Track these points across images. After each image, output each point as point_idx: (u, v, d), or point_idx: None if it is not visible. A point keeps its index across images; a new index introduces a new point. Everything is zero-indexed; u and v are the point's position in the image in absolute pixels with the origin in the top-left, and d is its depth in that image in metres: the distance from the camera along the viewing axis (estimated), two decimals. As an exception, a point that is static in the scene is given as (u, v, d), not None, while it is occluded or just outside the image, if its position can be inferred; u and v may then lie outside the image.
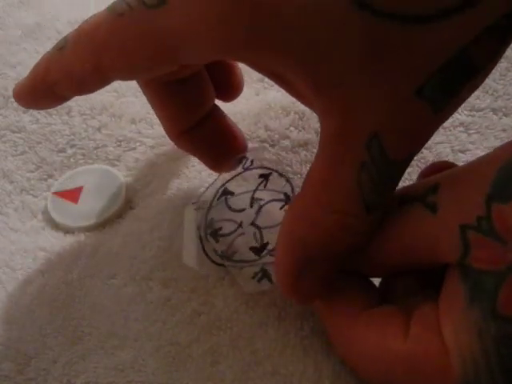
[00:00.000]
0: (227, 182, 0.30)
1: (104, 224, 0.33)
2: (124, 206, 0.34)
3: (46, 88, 0.26)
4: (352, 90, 0.21)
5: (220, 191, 0.30)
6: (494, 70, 0.38)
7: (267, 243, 0.29)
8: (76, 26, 0.25)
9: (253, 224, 0.29)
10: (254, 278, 0.28)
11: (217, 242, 0.29)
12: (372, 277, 0.26)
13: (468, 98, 0.23)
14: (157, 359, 0.28)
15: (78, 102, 0.39)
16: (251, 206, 0.30)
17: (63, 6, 0.46)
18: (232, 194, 0.30)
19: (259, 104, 0.38)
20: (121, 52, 0.24)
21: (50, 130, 0.38)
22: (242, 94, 0.35)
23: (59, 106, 0.39)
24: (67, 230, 0.33)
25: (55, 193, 0.34)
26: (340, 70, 0.21)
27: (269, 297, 0.29)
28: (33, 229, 0.33)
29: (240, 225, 0.29)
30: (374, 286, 0.27)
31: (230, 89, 0.34)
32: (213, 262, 0.29)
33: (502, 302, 0.20)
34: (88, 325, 0.29)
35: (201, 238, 0.29)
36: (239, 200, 0.30)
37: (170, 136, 0.32)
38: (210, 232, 0.29)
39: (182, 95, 0.30)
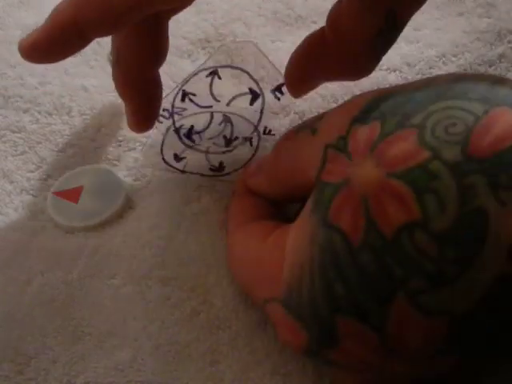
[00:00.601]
0: (182, 85, 0.34)
1: (104, 224, 0.33)
2: (124, 205, 0.34)
3: (75, 31, 0.26)
4: None
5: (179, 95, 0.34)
6: (494, 70, 0.39)
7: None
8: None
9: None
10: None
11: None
12: (279, 203, 0.30)
13: None
14: (156, 358, 0.28)
15: (77, 102, 0.39)
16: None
17: (63, 6, 0.46)
18: (194, 94, 0.34)
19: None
20: None
21: (50, 129, 0.38)
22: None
23: (59, 106, 0.39)
24: (67, 230, 0.33)
25: (55, 193, 0.34)
26: None
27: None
28: (33, 229, 0.33)
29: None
30: (283, 213, 0.30)
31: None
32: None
33: (333, 212, 0.22)
34: (88, 325, 0.29)
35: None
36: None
37: (125, 78, 0.32)
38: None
39: (157, 41, 0.31)
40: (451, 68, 0.39)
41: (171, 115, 0.34)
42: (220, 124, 0.34)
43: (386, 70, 0.39)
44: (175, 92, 0.35)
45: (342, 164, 0.22)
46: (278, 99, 0.34)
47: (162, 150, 0.34)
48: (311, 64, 0.29)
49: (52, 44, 0.27)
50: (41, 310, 0.30)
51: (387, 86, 0.38)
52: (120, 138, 0.37)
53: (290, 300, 0.23)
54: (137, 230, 0.32)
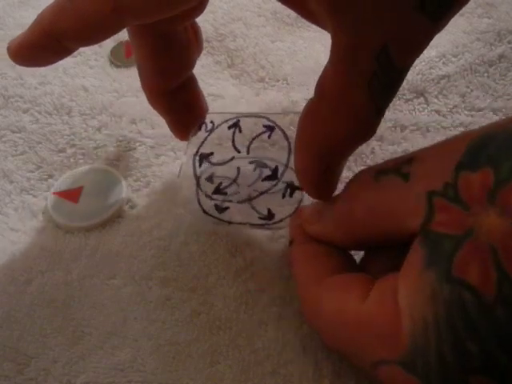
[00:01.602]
0: (200, 147, 0.33)
1: (104, 224, 0.33)
2: (124, 206, 0.34)
3: (53, 40, 0.26)
4: (363, 5, 0.23)
5: (197, 158, 0.33)
6: (494, 70, 0.39)
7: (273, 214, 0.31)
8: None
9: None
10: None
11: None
12: (348, 249, 0.28)
13: (460, 10, 0.24)
14: (156, 359, 0.28)
15: (77, 102, 0.39)
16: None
17: (63, 6, 0.46)
18: (211, 154, 0.33)
19: (259, 104, 0.38)
20: None
21: (50, 129, 0.38)
22: (242, 95, 0.35)
23: (59, 106, 0.39)
24: (67, 230, 0.33)
25: (55, 193, 0.34)
26: None
27: (268, 296, 0.29)
28: (33, 229, 0.33)
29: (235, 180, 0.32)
30: (352, 258, 0.28)
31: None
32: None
33: (457, 266, 0.20)
34: (88, 325, 0.29)
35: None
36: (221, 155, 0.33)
37: (149, 92, 0.32)
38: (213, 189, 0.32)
39: (172, 52, 0.31)
40: (451, 68, 0.39)
41: (201, 159, 0.33)
42: (255, 170, 0.32)
43: (386, 70, 0.39)
44: (231, 115, 0.33)
45: (457, 214, 0.21)
46: (283, 196, 0.31)
47: (199, 201, 0.32)
48: (311, 141, 0.26)
49: (33, 51, 0.27)
50: (41, 310, 0.30)
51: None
52: (120, 138, 0.37)
53: (413, 361, 0.22)
54: (137, 230, 0.32)
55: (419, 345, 0.21)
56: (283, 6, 0.44)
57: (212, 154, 0.33)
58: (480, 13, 0.43)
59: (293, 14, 0.44)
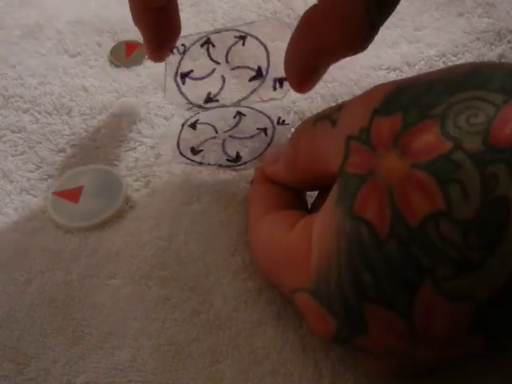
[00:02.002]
0: (178, 68, 0.35)
1: (104, 224, 0.33)
2: (124, 205, 0.34)
3: None
4: None
5: (178, 78, 0.35)
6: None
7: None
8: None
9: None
10: None
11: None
12: (299, 190, 0.30)
13: None
14: (156, 359, 0.28)
15: (77, 102, 0.39)
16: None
17: (63, 5, 0.46)
18: (191, 71, 0.35)
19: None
20: None
21: (50, 129, 0.38)
22: (241, 94, 0.35)
23: (59, 106, 0.39)
24: (67, 230, 0.33)
25: (55, 193, 0.34)
26: None
27: (268, 295, 0.29)
28: (33, 229, 0.33)
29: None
30: (303, 199, 0.31)
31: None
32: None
33: (359, 204, 0.22)
34: (88, 325, 0.29)
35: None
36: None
37: (137, 6, 0.32)
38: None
39: None
40: (451, 68, 0.39)
41: (183, 77, 0.35)
42: (234, 117, 0.35)
43: (386, 69, 0.39)
44: (201, 35, 0.35)
45: (365, 156, 0.23)
46: (274, 89, 0.35)
47: (178, 143, 0.35)
48: (306, 42, 0.28)
49: None
50: (41, 310, 0.30)
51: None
52: (120, 138, 0.37)
53: (318, 289, 0.24)
54: (137, 230, 0.32)
55: (322, 275, 0.23)
56: (283, 6, 0.44)
57: (192, 71, 0.35)
58: (480, 13, 0.43)
59: (293, 13, 0.44)
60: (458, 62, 0.39)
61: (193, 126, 0.35)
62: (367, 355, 0.25)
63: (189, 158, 0.34)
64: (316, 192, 0.30)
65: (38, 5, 0.46)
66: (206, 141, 0.35)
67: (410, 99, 0.23)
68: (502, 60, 0.39)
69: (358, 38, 0.26)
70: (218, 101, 0.35)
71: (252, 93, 0.35)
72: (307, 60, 0.28)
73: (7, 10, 0.46)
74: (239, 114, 0.35)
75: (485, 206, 0.20)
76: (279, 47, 0.34)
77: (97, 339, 0.29)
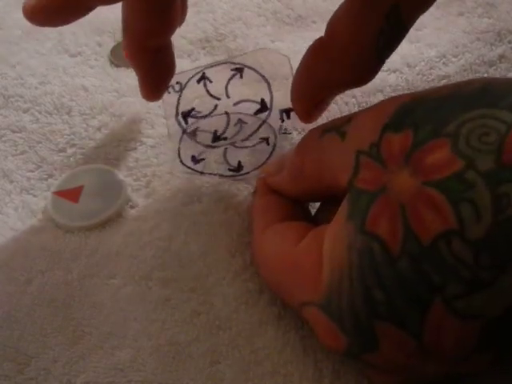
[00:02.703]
0: (177, 108, 0.34)
1: (104, 224, 0.33)
2: (124, 205, 0.34)
3: None
4: None
5: (180, 118, 0.34)
6: (494, 71, 0.39)
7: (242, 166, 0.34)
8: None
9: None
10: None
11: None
12: (302, 201, 0.30)
13: None
14: (156, 359, 0.28)
15: (78, 102, 0.39)
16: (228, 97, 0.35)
17: (63, 5, 0.46)
18: (192, 110, 0.34)
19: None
20: None
21: (50, 129, 0.38)
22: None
23: (59, 106, 0.39)
24: (67, 230, 0.33)
25: (55, 192, 0.34)
26: None
27: (268, 296, 0.29)
28: (33, 229, 0.33)
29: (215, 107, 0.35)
30: (307, 210, 0.30)
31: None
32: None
33: (370, 220, 0.22)
34: (88, 324, 0.29)
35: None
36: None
37: (133, 46, 0.32)
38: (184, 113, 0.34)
39: (165, 13, 0.30)
40: (451, 68, 0.39)
41: (185, 117, 0.34)
42: (235, 125, 0.35)
43: (387, 70, 0.39)
44: (195, 71, 0.34)
45: (376, 172, 0.23)
46: (282, 121, 0.34)
47: (179, 152, 0.34)
48: (313, 75, 0.28)
49: (53, 8, 0.27)
50: (41, 310, 0.30)
51: (387, 87, 0.38)
52: (120, 138, 0.37)
53: (329, 304, 0.24)
54: (137, 231, 0.32)
55: (334, 289, 0.23)
56: (283, 6, 0.44)
57: (193, 109, 0.34)
58: (480, 13, 0.43)
59: (293, 13, 0.44)
60: (458, 63, 0.39)
61: (193, 133, 0.35)
62: (375, 370, 0.25)
63: (190, 167, 0.34)
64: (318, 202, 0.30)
65: (38, 4, 0.46)
66: (206, 149, 0.34)
67: (420, 115, 0.23)
68: (503, 60, 0.39)
69: (366, 72, 0.27)
70: (226, 138, 0.34)
71: (260, 126, 0.34)
72: (315, 93, 0.28)
73: (7, 10, 0.46)
74: (240, 121, 0.35)
75: (496, 226, 0.20)
76: (277, 76, 0.35)
77: (97, 339, 0.29)
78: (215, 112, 0.35)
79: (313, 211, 0.30)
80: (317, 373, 0.27)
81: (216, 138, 0.34)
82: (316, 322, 0.25)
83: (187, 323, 0.29)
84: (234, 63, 0.34)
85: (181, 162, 0.34)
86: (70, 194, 0.34)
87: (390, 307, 0.22)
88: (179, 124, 0.34)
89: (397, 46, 0.27)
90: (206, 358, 0.28)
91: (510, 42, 0.40)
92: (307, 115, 0.30)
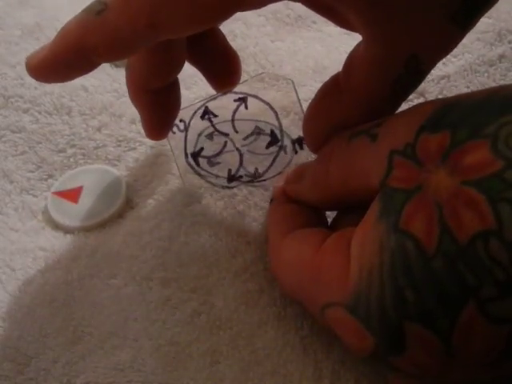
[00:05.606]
0: (185, 149, 0.34)
1: (104, 224, 0.33)
2: (124, 205, 0.34)
3: (80, 55, 0.25)
4: (398, 20, 0.24)
5: (190, 160, 0.33)
6: (494, 71, 0.39)
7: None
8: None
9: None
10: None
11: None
12: (323, 209, 0.30)
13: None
14: (156, 359, 0.28)
15: (77, 102, 0.39)
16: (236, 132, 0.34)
17: (63, 6, 0.46)
18: (202, 149, 0.34)
19: (259, 104, 0.38)
20: (182, 3, 0.24)
21: (50, 129, 0.38)
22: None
23: (59, 106, 0.39)
24: (67, 230, 0.33)
25: (55, 193, 0.34)
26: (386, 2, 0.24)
27: (269, 296, 0.29)
28: (33, 229, 0.33)
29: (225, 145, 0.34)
30: (325, 218, 0.30)
31: (230, 74, 0.34)
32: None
33: (405, 218, 0.22)
34: (88, 325, 0.29)
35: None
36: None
37: (135, 89, 0.32)
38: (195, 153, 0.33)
39: (168, 54, 0.30)
40: (451, 68, 0.39)
41: (195, 158, 0.34)
42: (252, 133, 0.34)
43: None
44: (197, 106, 0.34)
45: (411, 170, 0.22)
46: (296, 152, 0.34)
47: (194, 154, 0.34)
48: (326, 116, 0.28)
49: (57, 67, 0.26)
50: (41, 309, 0.30)
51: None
52: (120, 138, 0.37)
53: (356, 304, 0.23)
54: (137, 231, 0.32)
55: (363, 290, 0.23)
56: (283, 6, 0.44)
57: (202, 149, 0.34)
58: (480, 13, 0.43)
59: (293, 13, 0.44)
60: (458, 63, 0.39)
61: (210, 136, 0.34)
62: (398, 374, 0.24)
63: (206, 170, 0.33)
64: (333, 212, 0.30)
65: (38, 5, 0.46)
66: (222, 153, 0.34)
67: (458, 118, 0.22)
68: (503, 60, 0.39)
69: (381, 115, 0.26)
70: (242, 177, 0.33)
71: (275, 160, 0.33)
72: (328, 131, 0.28)
73: (7, 10, 0.46)
74: (258, 129, 0.34)
75: None
76: (283, 101, 0.34)
77: (97, 339, 0.29)
78: (225, 149, 0.34)
79: (329, 220, 0.30)
80: (317, 373, 0.27)
81: (231, 177, 0.33)
82: (341, 322, 0.24)
83: (188, 323, 0.29)
84: (236, 93, 0.33)
85: (196, 164, 0.33)
86: (70, 195, 0.34)
87: (421, 308, 0.21)
88: (191, 166, 0.33)
89: (413, 91, 0.27)
90: (206, 357, 0.28)
91: (510, 42, 0.40)
92: (319, 148, 0.29)
